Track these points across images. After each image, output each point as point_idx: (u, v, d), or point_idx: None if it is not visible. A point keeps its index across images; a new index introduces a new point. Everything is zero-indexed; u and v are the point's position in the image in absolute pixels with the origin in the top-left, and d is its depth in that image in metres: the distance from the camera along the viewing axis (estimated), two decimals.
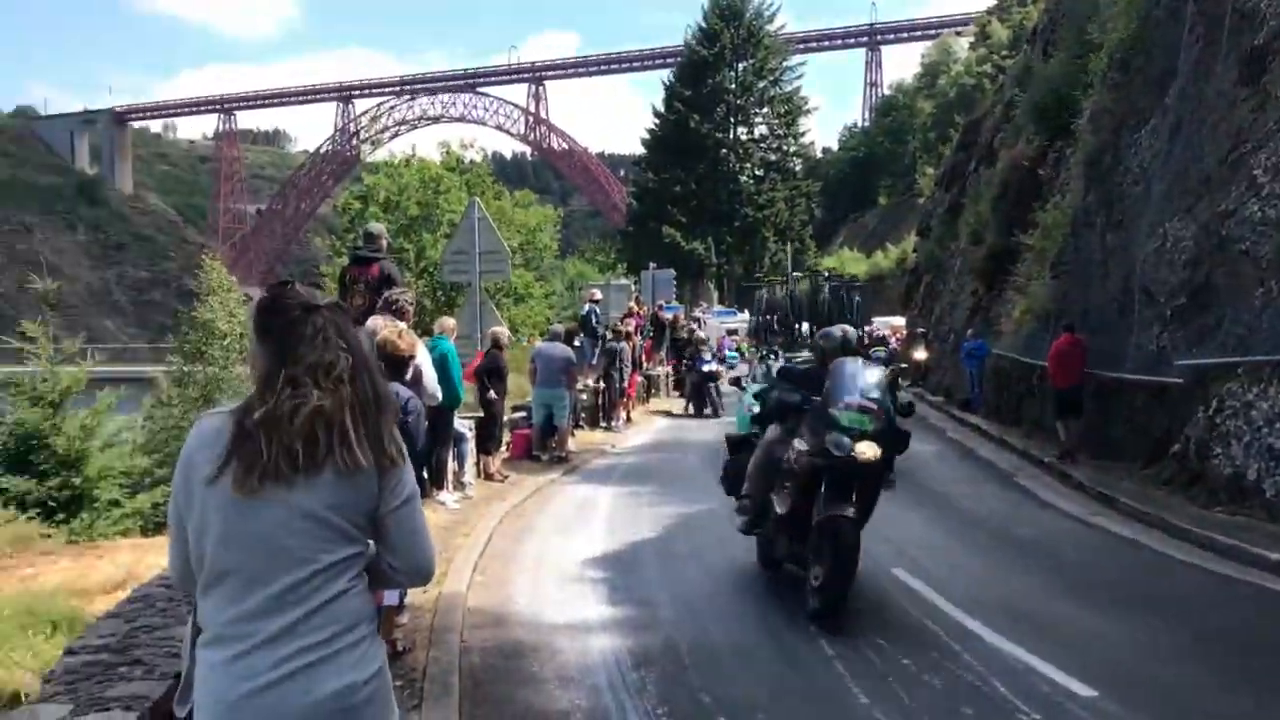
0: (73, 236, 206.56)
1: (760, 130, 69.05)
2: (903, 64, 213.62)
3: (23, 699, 7.21)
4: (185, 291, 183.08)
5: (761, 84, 67.34)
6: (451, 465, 12.29)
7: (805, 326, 32.32)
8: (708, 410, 23.39)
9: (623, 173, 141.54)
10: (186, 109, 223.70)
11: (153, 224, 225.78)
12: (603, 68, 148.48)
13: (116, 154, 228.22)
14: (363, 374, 2.49)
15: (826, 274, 38.99)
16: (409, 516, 2.51)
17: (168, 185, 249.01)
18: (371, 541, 2.49)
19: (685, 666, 6.88)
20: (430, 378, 8.53)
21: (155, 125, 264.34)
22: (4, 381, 15.91)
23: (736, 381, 20.44)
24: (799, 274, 38.50)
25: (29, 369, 16.41)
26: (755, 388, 12.27)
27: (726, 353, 34.60)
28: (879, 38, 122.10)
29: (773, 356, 16.73)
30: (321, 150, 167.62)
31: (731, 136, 67.65)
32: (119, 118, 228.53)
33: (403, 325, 8.00)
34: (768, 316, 34.84)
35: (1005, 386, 20.25)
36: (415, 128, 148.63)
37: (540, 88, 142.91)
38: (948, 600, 8.30)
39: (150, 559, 9.66)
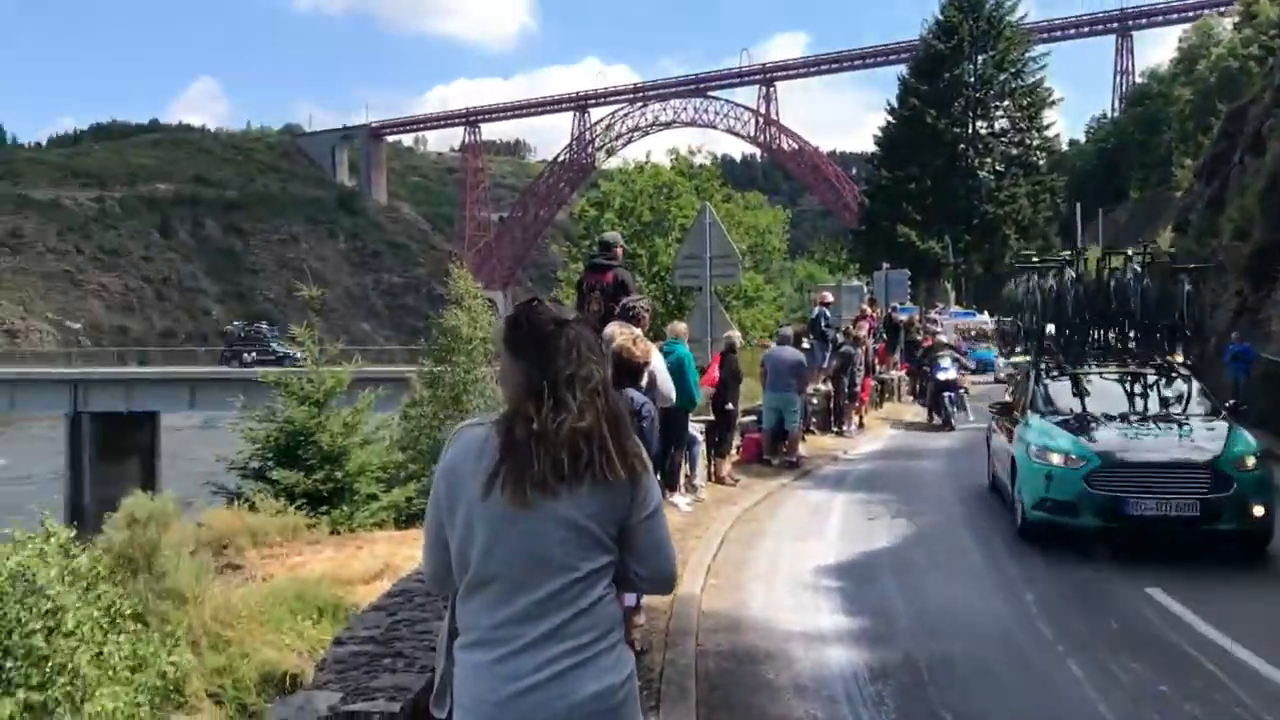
0: (334, 245, 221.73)
1: (1001, 124, 66.34)
2: (1157, 49, 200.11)
3: (293, 679, 7.81)
4: (435, 296, 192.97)
5: (1002, 76, 64.68)
6: (683, 468, 12.42)
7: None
8: (938, 420, 21.70)
9: (854, 171, 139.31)
10: (435, 123, 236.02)
11: (405, 232, 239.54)
12: (833, 66, 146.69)
13: (373, 167, 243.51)
14: (610, 385, 2.59)
15: (1144, 250, 33.91)
16: (656, 526, 2.59)
17: (418, 195, 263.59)
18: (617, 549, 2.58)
19: (925, 681, 6.71)
20: (665, 382, 8.64)
21: (407, 139, 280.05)
22: (276, 381, 17.22)
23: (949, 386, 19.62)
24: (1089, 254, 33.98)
25: (297, 370, 17.73)
26: (1044, 427, 10.59)
27: (976, 351, 33.34)
28: (1130, 23, 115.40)
29: (1054, 373, 11.92)
30: (559, 159, 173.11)
31: (970, 131, 65.30)
32: (375, 133, 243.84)
33: (638, 332, 8.15)
34: (1028, 317, 30.38)
35: (1276, 393, 18.67)
36: (648, 134, 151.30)
37: (770, 89, 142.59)
38: (1208, 623, 7.73)
39: (405, 551, 10.26)
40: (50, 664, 6.13)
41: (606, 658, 2.47)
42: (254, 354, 51.56)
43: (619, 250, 10.97)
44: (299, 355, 17.34)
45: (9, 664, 6.16)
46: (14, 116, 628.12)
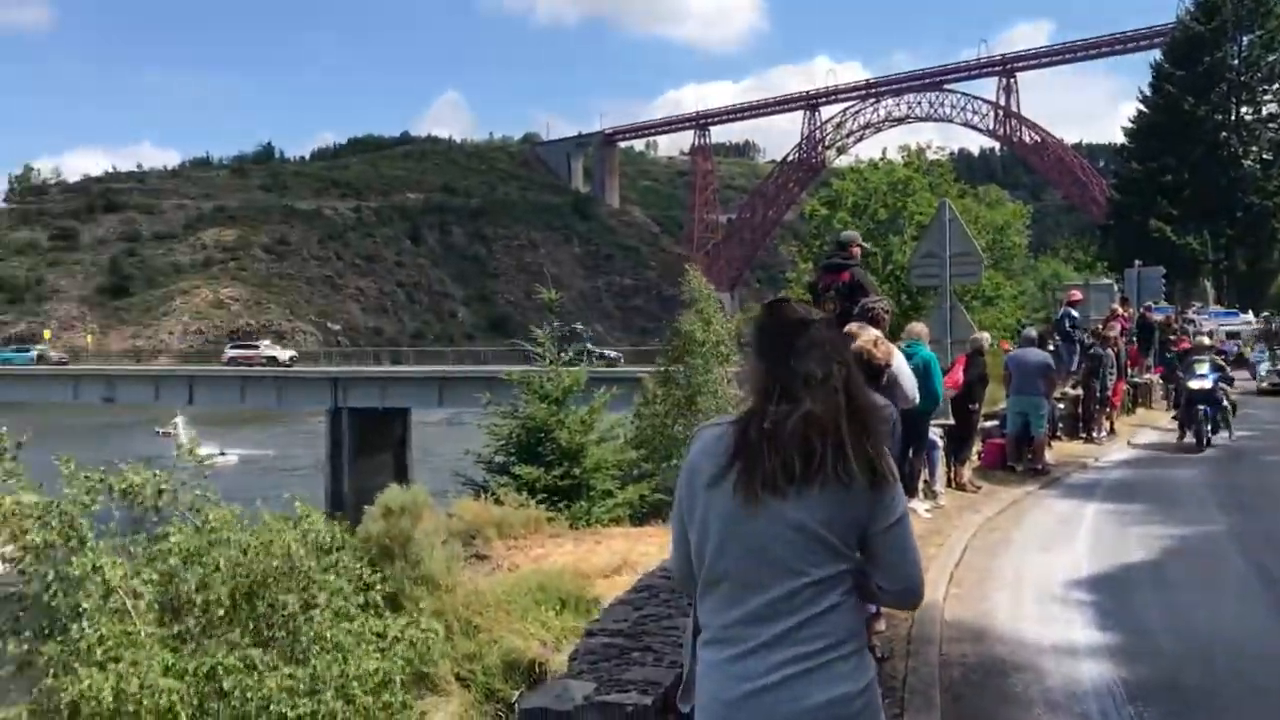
0: (569, 249, 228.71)
1: (1270, 109, 61.20)
2: None
3: (536, 666, 8.10)
4: (664, 297, 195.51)
5: (1271, 58, 59.68)
6: (922, 473, 12.09)
7: None
8: (1189, 438, 17.82)
9: (1102, 163, 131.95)
10: (666, 127, 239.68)
11: (636, 235, 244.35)
12: (1079, 54, 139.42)
13: (606, 172, 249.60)
14: (856, 387, 2.52)
15: None
16: (900, 536, 2.48)
17: (649, 199, 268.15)
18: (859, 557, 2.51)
19: (1189, 704, 6.26)
20: (909, 382, 8.43)
21: (639, 144, 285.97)
22: (519, 380, 17.90)
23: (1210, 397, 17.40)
24: None
25: (537, 368, 18.36)
26: None
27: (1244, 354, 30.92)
28: None
29: None
30: (788, 159, 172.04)
31: (1233, 118, 60.57)
32: (608, 139, 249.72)
33: (877, 333, 7.99)
34: None
35: None
36: (880, 130, 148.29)
37: (1011, 80, 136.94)
38: None
39: (641, 547, 10.44)
40: (306, 635, 6.60)
41: (840, 666, 2.40)
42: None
43: (856, 249, 10.75)
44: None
45: (274, 625, 6.68)
46: (282, 134, 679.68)
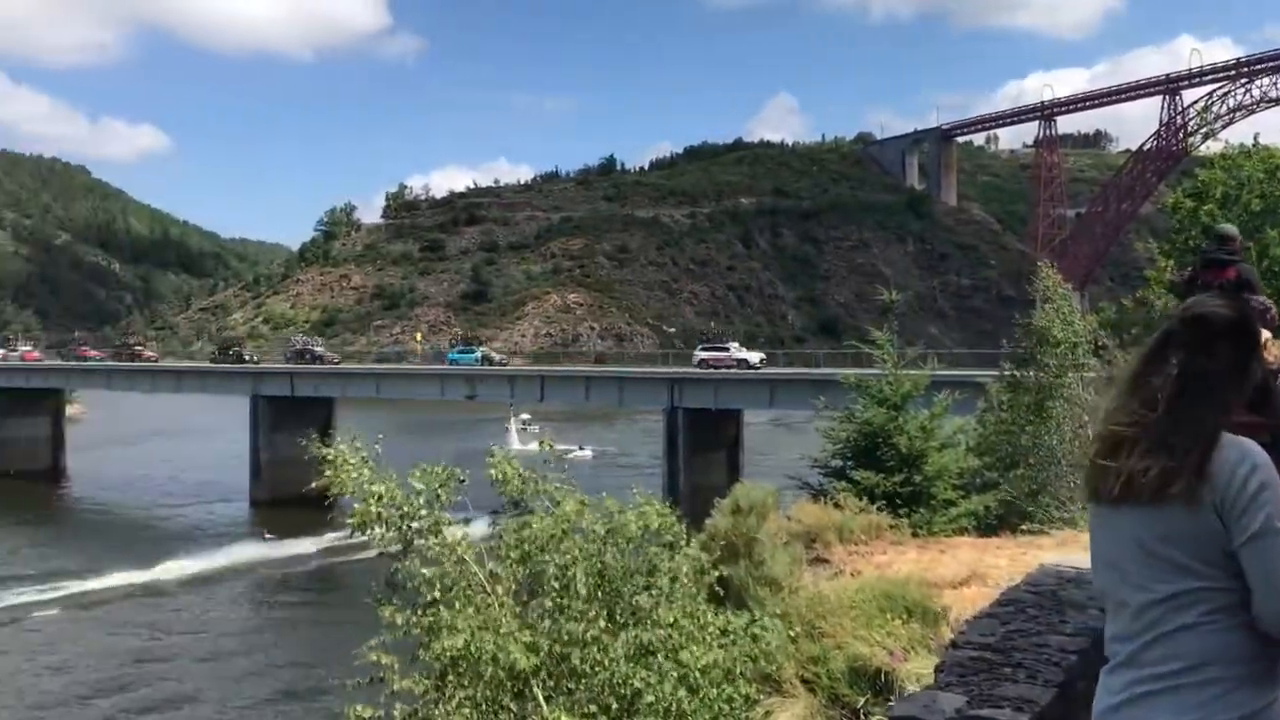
0: (902, 248, 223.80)
1: None
2: None
3: (882, 674, 7.94)
4: (1005, 298, 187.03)
5: None
6: None
7: None
8: None
9: None
10: (1007, 119, 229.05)
11: (974, 233, 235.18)
12: None
13: (942, 169, 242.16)
14: (1211, 394, 2.30)
15: None
16: (1263, 554, 2.20)
17: (989, 195, 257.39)
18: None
19: None
20: None
21: (978, 138, 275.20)
22: (856, 384, 17.68)
23: None
24: None
25: (874, 371, 18.05)
26: None
27: None
28: None
29: None
30: (1144, 148, 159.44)
31: None
32: (945, 135, 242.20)
33: (1267, 334, 7.23)
34: None
35: None
36: (1253, 112, 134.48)
37: None
38: None
39: (990, 559, 10.01)
40: (649, 616, 6.82)
41: (1192, 693, 2.19)
42: None
43: (1237, 244, 9.80)
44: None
45: (619, 608, 6.96)
46: (623, 146, 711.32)
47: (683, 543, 7.72)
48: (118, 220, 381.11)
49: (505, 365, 61.67)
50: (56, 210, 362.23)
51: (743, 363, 54.23)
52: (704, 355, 59.18)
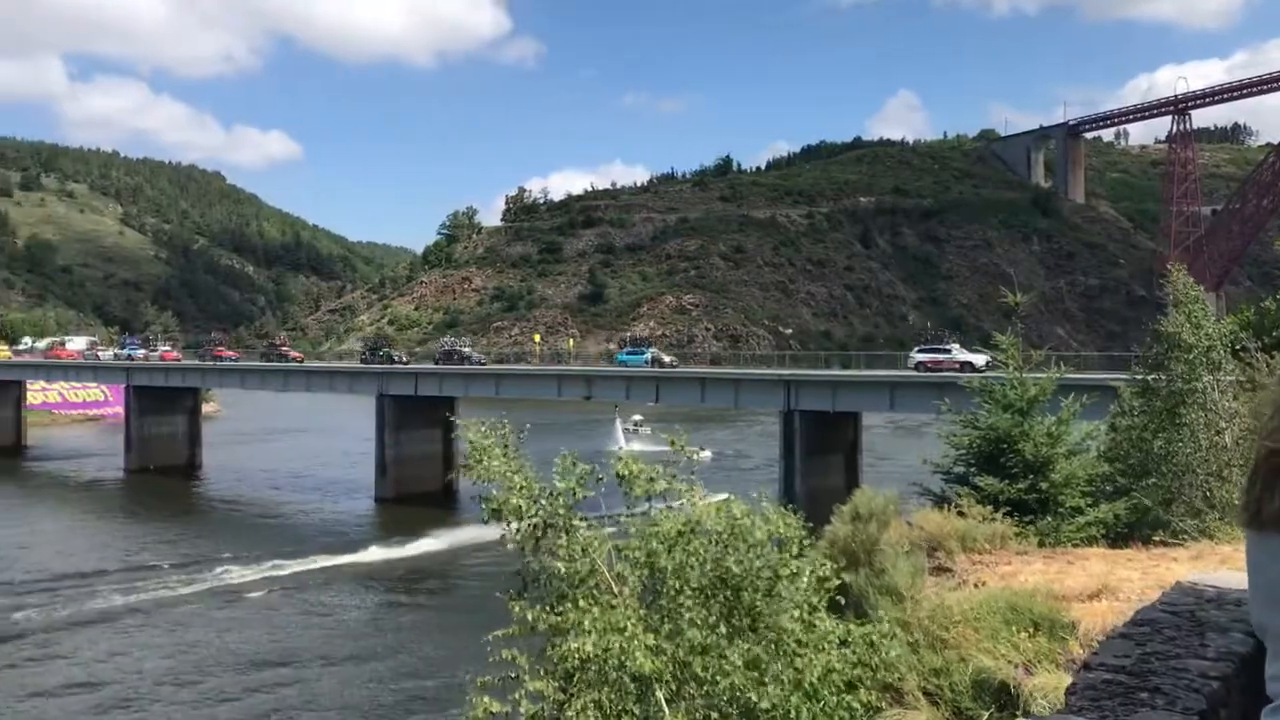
0: (1027, 248, 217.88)
1: None
2: None
3: (1006, 689, 7.76)
4: (1135, 298, 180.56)
5: None
6: None
7: None
8: None
9: None
10: (1139, 114, 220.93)
11: (1103, 232, 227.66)
12: None
13: (1069, 166, 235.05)
14: None
15: None
16: None
17: (1118, 192, 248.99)
18: None
19: None
20: None
21: (1107, 134, 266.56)
22: (980, 387, 17.27)
23: None
24: None
25: (997, 375, 17.61)
26: None
27: None
28: None
29: None
30: None
31: None
32: (1072, 131, 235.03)
33: None
34: None
35: None
36: None
37: None
38: None
39: (1121, 572, 9.68)
40: (767, 621, 6.77)
41: None
42: None
43: None
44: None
45: (738, 611, 6.93)
46: (738, 146, 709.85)
47: (806, 549, 7.64)
48: (251, 224, 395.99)
49: (675, 366, 60.89)
50: (194, 215, 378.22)
51: (967, 365, 47.29)
52: (922, 358, 53.57)
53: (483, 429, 7.67)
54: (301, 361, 77.69)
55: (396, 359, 69.42)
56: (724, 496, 8.10)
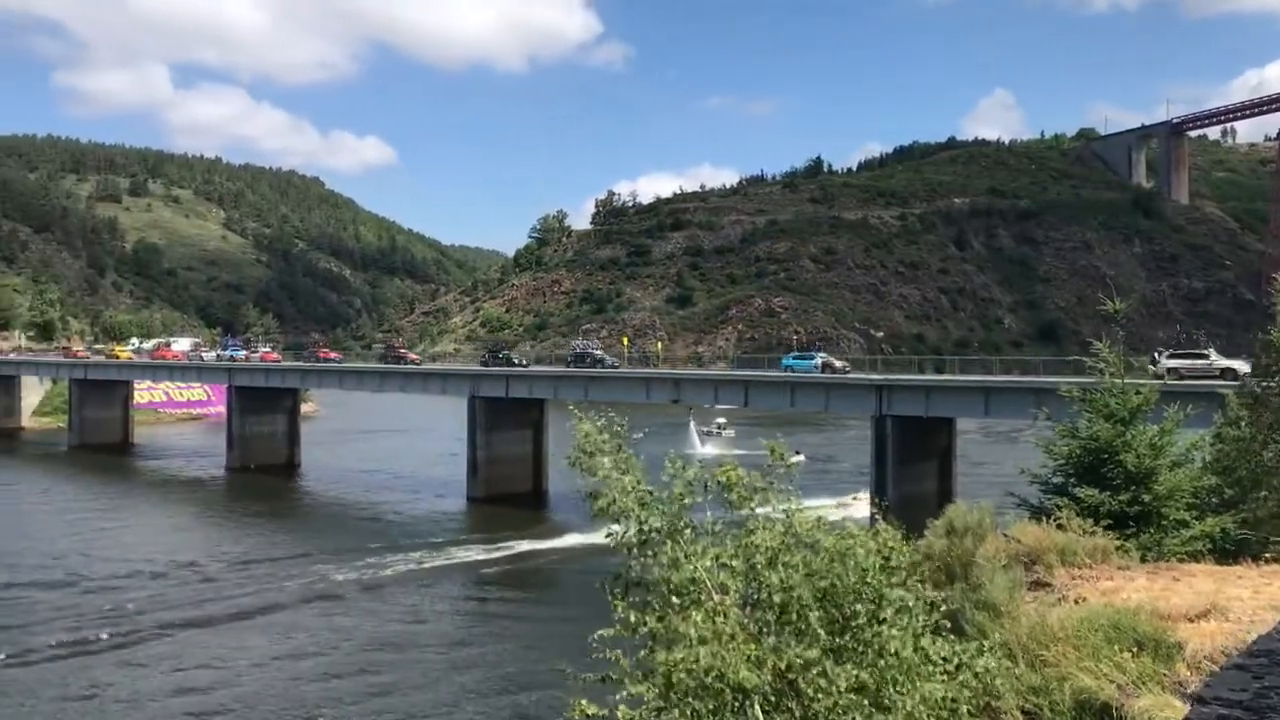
0: (1128, 249, 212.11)
1: None
2: None
3: (1110, 711, 7.54)
4: (1243, 302, 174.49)
5: None
6: None
7: None
8: None
9: None
10: (1246, 111, 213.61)
11: (1208, 233, 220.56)
12: None
13: (1172, 166, 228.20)
14: None
15: None
16: None
17: (1225, 192, 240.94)
18: None
19: None
20: None
21: (1213, 132, 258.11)
22: (1080, 396, 16.81)
23: None
24: None
25: (1096, 380, 17.11)
26: None
27: None
28: None
29: None
30: None
31: None
32: (1175, 129, 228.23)
33: None
34: None
35: None
36: None
37: None
38: None
39: (1231, 590, 9.34)
40: (873, 647, 6.65)
41: None
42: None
43: None
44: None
45: (846, 638, 6.83)
46: (828, 148, 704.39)
47: (911, 566, 7.46)
48: (348, 229, 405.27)
49: (848, 372, 58.91)
50: (294, 220, 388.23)
51: (1228, 372, 41.71)
52: (1173, 364, 47.57)
53: (599, 423, 7.64)
54: (419, 364, 78.56)
55: (517, 362, 69.15)
56: (821, 504, 7.99)
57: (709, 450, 69.37)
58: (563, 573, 41.34)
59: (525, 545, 45.84)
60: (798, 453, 71.14)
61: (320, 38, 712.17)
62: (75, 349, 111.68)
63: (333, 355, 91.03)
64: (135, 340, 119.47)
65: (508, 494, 58.64)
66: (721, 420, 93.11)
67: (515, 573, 41.68)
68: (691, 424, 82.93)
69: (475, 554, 44.33)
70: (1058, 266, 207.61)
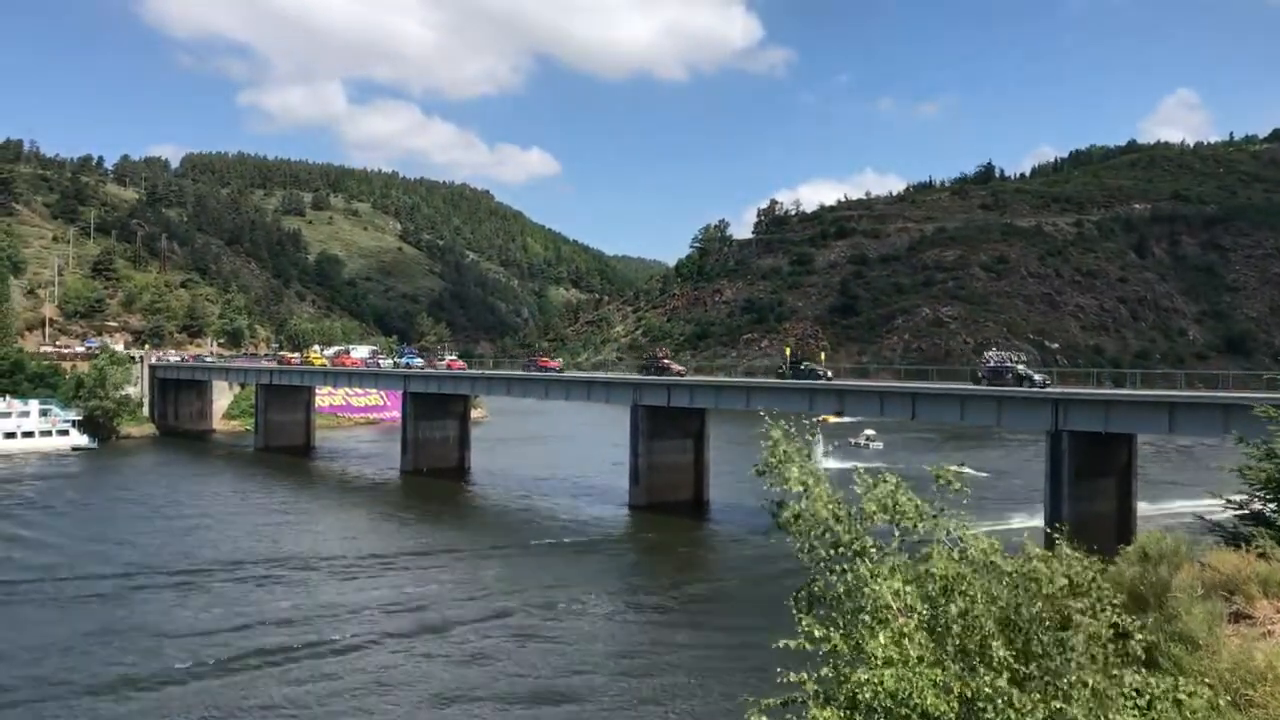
0: None
1: None
2: None
3: None
4: None
5: None
6: None
7: None
8: None
9: None
10: None
11: None
12: None
13: None
14: None
15: None
16: None
17: None
18: None
19: None
20: None
21: None
22: (1275, 416, 15.88)
23: None
24: None
25: None
26: None
27: None
28: None
29: None
30: None
31: None
32: None
33: None
34: None
35: None
36: None
37: None
38: None
39: None
40: (1065, 678, 6.38)
41: None
42: None
43: None
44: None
45: (1031, 667, 6.58)
46: (998, 152, 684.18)
47: (1100, 592, 7.13)
48: (516, 240, 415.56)
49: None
50: (465, 232, 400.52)
51: None
52: None
53: (789, 430, 7.58)
54: (683, 375, 72.82)
55: (821, 375, 64.68)
56: (1025, 535, 7.70)
57: (831, 464, 68.16)
58: (735, 582, 41.34)
59: (686, 554, 45.93)
60: (962, 464, 68.78)
61: (487, 52, 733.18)
62: (287, 356, 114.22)
63: (552, 364, 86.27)
64: (318, 348, 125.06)
65: (670, 502, 58.93)
66: (870, 432, 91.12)
67: (685, 582, 41.81)
68: (820, 434, 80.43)
69: (634, 560, 44.62)
70: (1247, 274, 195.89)
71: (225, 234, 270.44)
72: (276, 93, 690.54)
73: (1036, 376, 53.57)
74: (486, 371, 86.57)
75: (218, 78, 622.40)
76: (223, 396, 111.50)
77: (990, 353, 69.56)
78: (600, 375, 79.97)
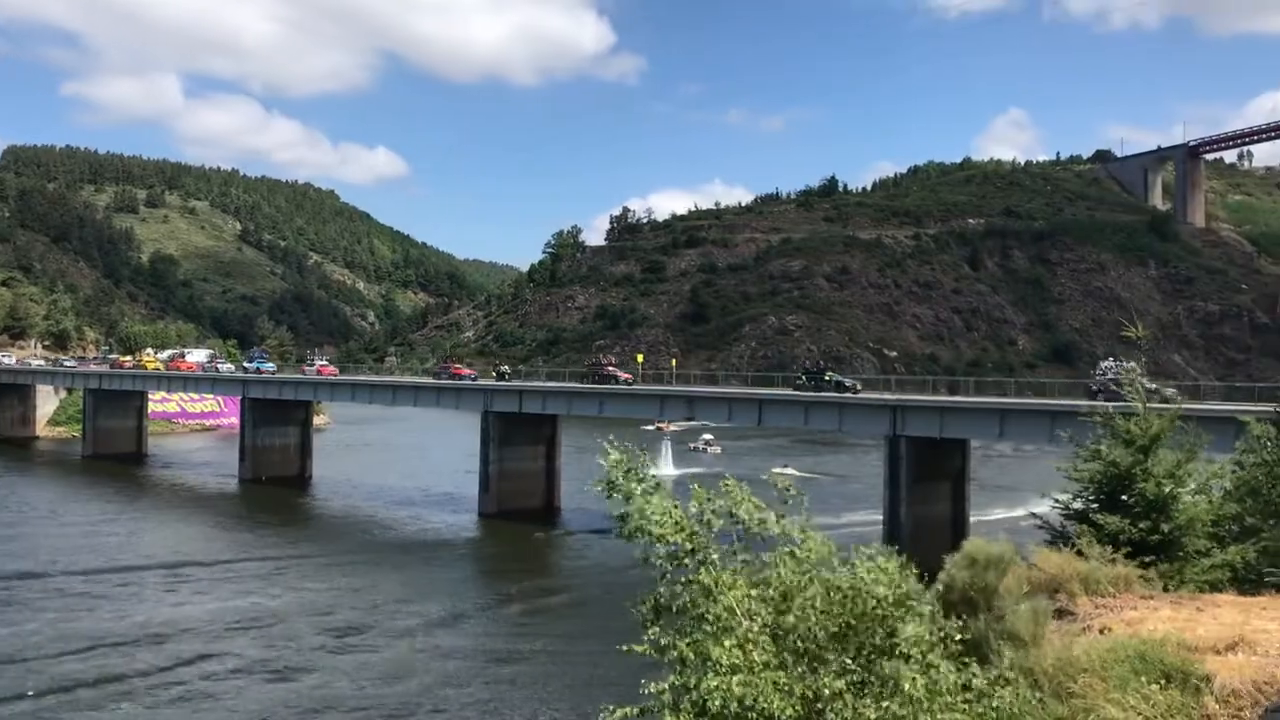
0: (1143, 272, 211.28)
1: None
2: None
3: None
4: (1258, 325, 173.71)
5: None
6: None
7: None
8: None
9: None
10: (1264, 134, 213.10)
11: (1224, 256, 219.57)
12: None
13: (1189, 188, 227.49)
14: None
15: None
16: None
17: (1241, 215, 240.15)
18: None
19: None
20: None
21: (1230, 155, 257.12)
22: (1102, 421, 16.71)
23: None
24: None
25: (1114, 405, 17.00)
26: None
27: None
28: None
29: None
30: None
31: None
32: (1192, 152, 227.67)
33: None
34: None
35: None
36: None
37: None
38: None
39: (1257, 622, 9.25)
40: (893, 679, 6.58)
41: None
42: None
43: None
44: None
45: (861, 664, 6.76)
46: (842, 166, 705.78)
47: (925, 606, 7.34)
48: (363, 241, 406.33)
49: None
50: (309, 232, 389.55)
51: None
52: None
53: (626, 449, 7.60)
54: (630, 383, 69.74)
55: (848, 387, 57.55)
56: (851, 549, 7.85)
57: (670, 470, 69.60)
58: (582, 588, 41.28)
59: (536, 561, 45.68)
60: (786, 465, 70.51)
61: (332, 49, 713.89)
62: (121, 359, 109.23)
63: (466, 371, 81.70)
64: (150, 351, 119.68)
65: (521, 509, 58.52)
66: (708, 437, 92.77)
67: (526, 589, 41.54)
68: (666, 442, 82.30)
69: (484, 568, 44.17)
70: (1072, 288, 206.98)
71: (52, 230, 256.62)
72: (105, 84, 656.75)
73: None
74: (329, 378, 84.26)
75: (39, 65, 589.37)
76: (47, 402, 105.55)
77: (1104, 364, 66.92)
78: (451, 382, 78.70)
